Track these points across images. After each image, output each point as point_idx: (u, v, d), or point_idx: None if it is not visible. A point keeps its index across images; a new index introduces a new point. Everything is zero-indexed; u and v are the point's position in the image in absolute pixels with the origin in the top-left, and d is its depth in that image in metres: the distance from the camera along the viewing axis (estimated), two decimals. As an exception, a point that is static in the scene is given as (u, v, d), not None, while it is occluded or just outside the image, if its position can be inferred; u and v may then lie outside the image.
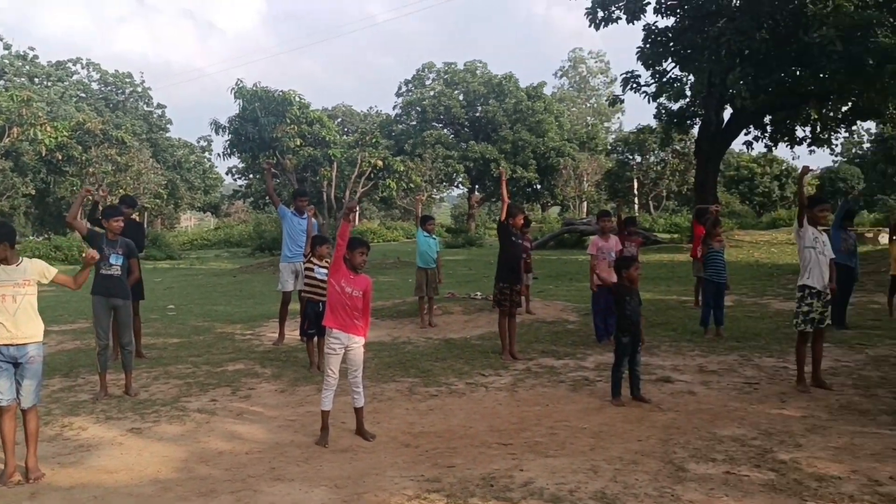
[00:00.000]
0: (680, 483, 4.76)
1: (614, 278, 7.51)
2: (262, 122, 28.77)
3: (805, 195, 7.37)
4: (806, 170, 8.00)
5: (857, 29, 16.41)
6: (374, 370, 8.33)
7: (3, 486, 4.96)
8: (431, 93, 56.46)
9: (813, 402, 6.71)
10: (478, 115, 56.26)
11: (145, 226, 41.90)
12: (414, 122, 56.68)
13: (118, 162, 41.95)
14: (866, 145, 50.13)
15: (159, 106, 66.51)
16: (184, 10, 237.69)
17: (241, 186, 58.08)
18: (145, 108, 65.19)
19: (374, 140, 34.07)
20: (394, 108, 58.50)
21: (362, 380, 6.06)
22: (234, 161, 44.24)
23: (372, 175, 32.89)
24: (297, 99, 30.35)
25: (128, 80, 64.83)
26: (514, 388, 7.51)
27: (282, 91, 29.89)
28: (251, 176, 52.01)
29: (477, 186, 55.56)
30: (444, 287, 14.94)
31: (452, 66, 57.48)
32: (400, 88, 58.52)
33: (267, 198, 38.17)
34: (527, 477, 4.94)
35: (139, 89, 65.31)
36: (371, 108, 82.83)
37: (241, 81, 28.91)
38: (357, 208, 40.25)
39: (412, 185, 38.05)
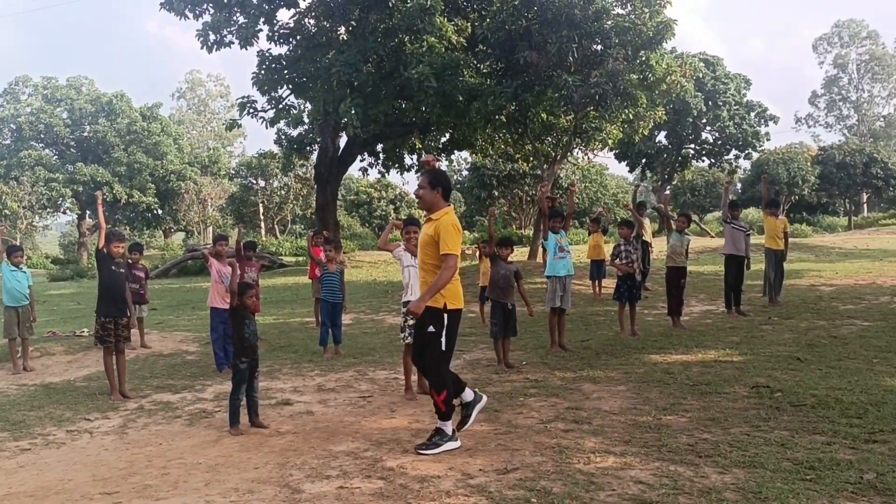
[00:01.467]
0: (295, 505, 4.78)
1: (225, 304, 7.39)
2: None
3: (388, 236, 8.16)
4: (394, 224, 8.76)
5: (447, 68, 18.38)
6: (-51, 430, 7.09)
7: None
8: (28, 109, 50.63)
9: (418, 408, 7.25)
10: (86, 135, 51.79)
11: None
12: (8, 141, 50.28)
13: None
14: (465, 172, 56.33)
15: None
16: None
17: None
18: None
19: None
20: (-19, 124, 51.19)
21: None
22: None
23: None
24: None
25: None
26: (124, 431, 6.94)
27: None
28: None
29: (88, 212, 50.95)
30: (44, 325, 13.44)
31: (53, 80, 52.16)
32: (-12, 102, 51.44)
33: None
34: (132, 526, 4.56)
35: None
36: (-49, 123, 71.44)
37: None
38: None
39: (7, 213, 33.56)
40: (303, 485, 5.15)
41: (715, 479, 4.85)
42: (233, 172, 57.33)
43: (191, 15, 20.39)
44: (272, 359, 10.10)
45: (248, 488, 5.14)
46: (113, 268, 8.36)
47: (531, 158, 27.09)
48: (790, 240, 15.49)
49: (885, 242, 30.18)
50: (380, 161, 26.81)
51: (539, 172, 27.71)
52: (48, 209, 50.29)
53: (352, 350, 10.68)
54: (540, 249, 20.06)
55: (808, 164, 50.03)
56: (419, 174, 5.97)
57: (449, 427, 5.80)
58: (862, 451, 5.25)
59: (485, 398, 6.19)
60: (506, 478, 5.05)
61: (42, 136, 50.54)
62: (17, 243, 14.65)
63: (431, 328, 5.78)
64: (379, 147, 26.00)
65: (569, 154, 26.96)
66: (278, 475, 5.39)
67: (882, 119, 77.92)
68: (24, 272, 10.36)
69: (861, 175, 50.11)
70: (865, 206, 61.91)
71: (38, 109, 50.17)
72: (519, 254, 25.91)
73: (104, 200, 10.22)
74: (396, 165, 26.76)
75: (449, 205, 5.92)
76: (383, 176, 31.27)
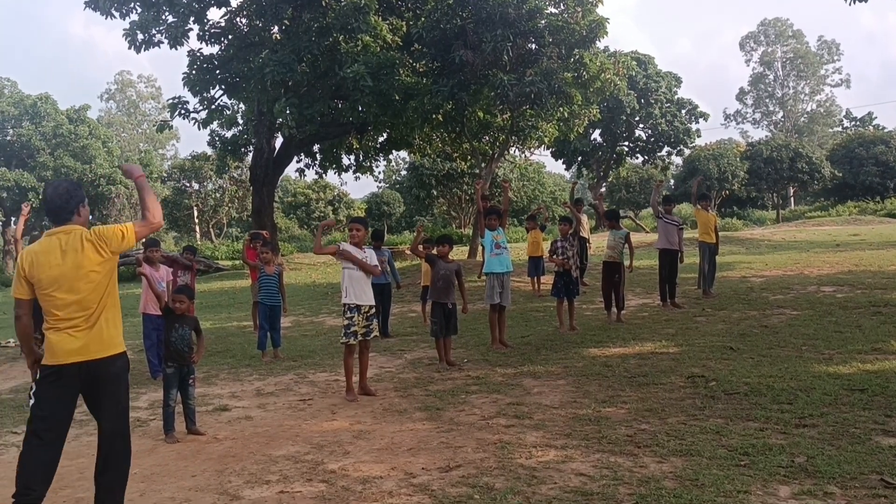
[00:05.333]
0: (233, 512, 4.68)
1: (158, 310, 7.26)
2: None
3: (321, 240, 8.13)
4: (323, 226, 8.87)
5: (383, 68, 18.31)
6: None
7: None
8: (-57, 111, 48.55)
9: (360, 409, 7.18)
10: (9, 139, 49.87)
11: None
12: (-75, 146, 48.14)
13: None
14: (403, 172, 56.27)
15: None
16: None
17: None
18: None
19: None
20: None
21: None
22: None
23: None
24: None
25: None
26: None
27: None
28: None
29: (14, 219, 49.07)
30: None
31: (-28, 83, 50.15)
32: None
33: None
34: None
35: None
36: None
37: None
38: None
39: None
40: (242, 491, 5.06)
41: (654, 468, 4.93)
42: (165, 175, 56.02)
43: (117, 14, 19.85)
44: (209, 364, 9.89)
45: (184, 497, 5.02)
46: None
47: (469, 157, 27.18)
48: (721, 233, 15.90)
49: (811, 234, 31.27)
50: (317, 162, 26.57)
51: (477, 171, 27.82)
52: (-30, 216, 48.33)
53: (291, 353, 10.53)
54: (479, 247, 20.14)
55: (738, 159, 51.50)
56: None
57: None
58: (793, 436, 5.40)
59: None
60: (448, 475, 5.04)
61: (-38, 140, 48.60)
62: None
63: None
64: (315, 147, 25.76)
65: (506, 152, 27.15)
66: (216, 482, 5.28)
67: (806, 115, 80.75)
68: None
69: (787, 169, 51.81)
70: (792, 199, 64.09)
71: (-45, 113, 48.20)
72: (459, 252, 25.99)
73: (31, 210, 9.83)
74: (334, 166, 26.55)
75: None
76: (321, 177, 31.03)
